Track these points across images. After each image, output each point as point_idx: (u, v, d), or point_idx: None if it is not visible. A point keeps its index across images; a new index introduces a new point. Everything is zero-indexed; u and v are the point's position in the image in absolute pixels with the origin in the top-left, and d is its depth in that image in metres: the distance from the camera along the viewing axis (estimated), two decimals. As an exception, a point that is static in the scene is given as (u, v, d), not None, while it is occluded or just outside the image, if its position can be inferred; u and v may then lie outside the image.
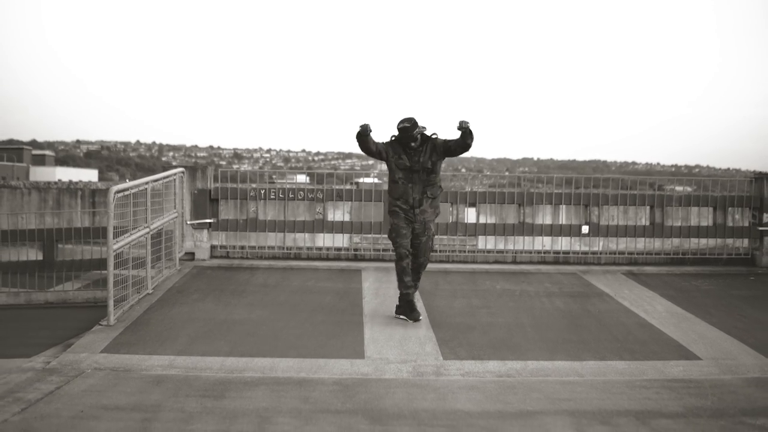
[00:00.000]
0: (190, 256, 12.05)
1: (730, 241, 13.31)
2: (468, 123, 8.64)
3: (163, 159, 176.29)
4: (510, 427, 5.57)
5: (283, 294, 10.10)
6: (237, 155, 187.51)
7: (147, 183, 9.80)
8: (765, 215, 12.91)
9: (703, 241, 13.19)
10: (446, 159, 9.16)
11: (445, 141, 8.89)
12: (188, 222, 11.95)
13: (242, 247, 12.50)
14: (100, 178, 77.98)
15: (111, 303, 8.39)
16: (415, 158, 8.83)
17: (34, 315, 10.24)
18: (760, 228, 12.92)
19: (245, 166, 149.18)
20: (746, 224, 13.18)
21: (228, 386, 6.44)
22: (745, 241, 13.25)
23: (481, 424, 5.60)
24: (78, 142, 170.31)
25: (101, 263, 11.75)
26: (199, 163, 14.71)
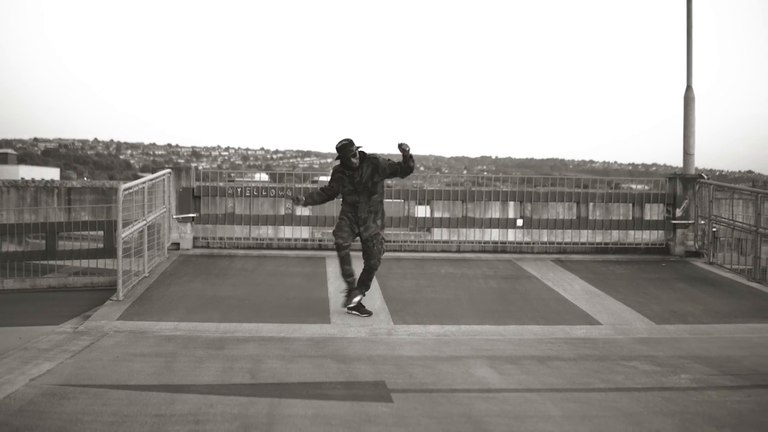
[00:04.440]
0: (176, 246, 13.77)
1: (647, 233, 15.22)
2: (408, 147, 9.19)
3: (121, 157, 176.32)
4: (441, 365, 7.45)
5: (260, 276, 11.90)
6: (195, 153, 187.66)
7: (145, 182, 11.55)
8: (677, 210, 14.83)
9: (623, 232, 15.12)
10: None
11: (390, 164, 9.54)
12: (174, 216, 13.69)
13: (221, 238, 14.27)
14: (62, 177, 78.84)
15: (120, 282, 10.15)
16: (356, 179, 9.61)
17: (44, 297, 11.85)
18: (673, 221, 14.85)
19: (204, 164, 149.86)
20: (662, 218, 15.11)
21: (225, 342, 8.24)
22: (661, 233, 15.16)
23: (420, 363, 7.48)
24: (35, 140, 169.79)
25: (97, 252, 13.47)
26: (183, 164, 16.36)
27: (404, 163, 9.45)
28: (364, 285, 9.95)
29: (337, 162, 9.72)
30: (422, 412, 5.86)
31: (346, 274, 9.79)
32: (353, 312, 9.79)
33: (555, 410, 6.01)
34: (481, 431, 5.45)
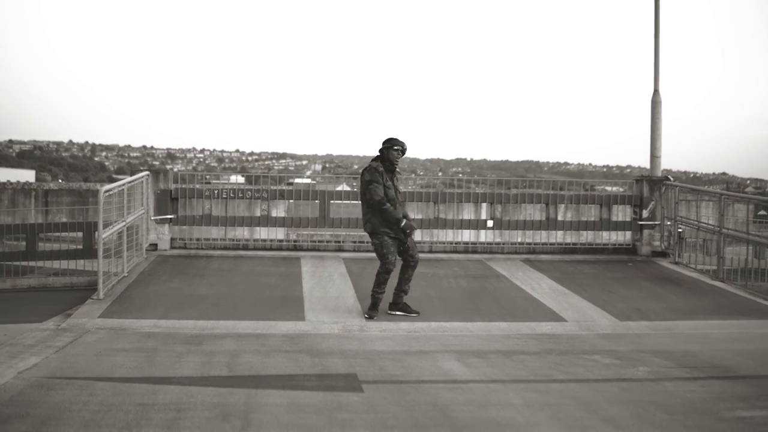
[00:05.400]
0: (154, 246, 14.05)
1: (614, 233, 15.62)
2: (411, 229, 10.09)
3: (96, 159, 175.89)
4: (411, 359, 7.81)
5: (237, 276, 12.20)
6: (170, 155, 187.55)
7: (124, 185, 11.84)
8: (644, 211, 15.25)
9: (592, 233, 15.51)
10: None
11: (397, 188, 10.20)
12: (152, 217, 13.97)
13: (198, 239, 14.56)
14: (37, 179, 78.67)
15: (101, 282, 10.44)
16: (395, 180, 10.11)
17: (25, 296, 12.10)
18: (640, 222, 15.27)
19: (179, 166, 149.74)
20: (629, 219, 15.52)
21: (203, 338, 8.56)
22: (628, 234, 15.58)
23: (390, 357, 7.83)
24: (10, 141, 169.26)
25: (77, 253, 13.75)
26: (161, 167, 16.67)
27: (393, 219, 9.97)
28: (409, 282, 10.27)
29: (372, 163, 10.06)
30: (391, 401, 6.21)
31: (380, 292, 10.09)
32: (397, 313, 10.15)
33: (517, 399, 6.37)
34: (446, 418, 5.81)
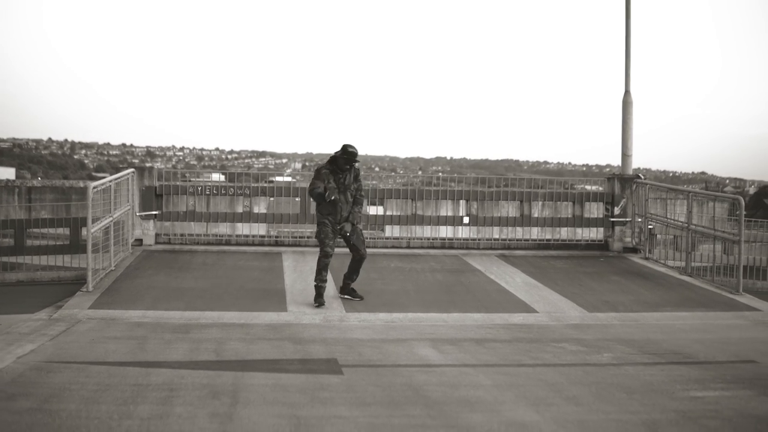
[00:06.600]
0: (139, 242, 14.41)
1: (587, 230, 16.10)
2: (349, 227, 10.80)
3: (75, 157, 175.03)
4: (388, 346, 8.26)
5: (221, 270, 12.61)
6: (150, 153, 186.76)
7: (111, 181, 12.22)
8: (615, 209, 15.73)
9: (565, 229, 15.98)
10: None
11: (360, 184, 10.95)
12: (138, 213, 14.34)
13: (182, 235, 14.94)
14: (17, 176, 78.47)
15: (90, 274, 10.82)
16: (341, 180, 10.64)
17: (15, 290, 12.41)
18: (612, 219, 15.75)
19: (158, 164, 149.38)
20: (601, 216, 15.99)
21: (190, 327, 8.97)
22: (601, 230, 16.05)
23: (369, 344, 8.28)
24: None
25: (63, 248, 14.08)
26: (146, 165, 17.03)
27: (360, 198, 10.97)
28: (356, 273, 11.02)
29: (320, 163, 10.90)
30: (369, 382, 6.66)
31: (322, 280, 10.67)
32: (346, 297, 10.96)
33: (486, 380, 6.83)
34: (420, 396, 6.26)
